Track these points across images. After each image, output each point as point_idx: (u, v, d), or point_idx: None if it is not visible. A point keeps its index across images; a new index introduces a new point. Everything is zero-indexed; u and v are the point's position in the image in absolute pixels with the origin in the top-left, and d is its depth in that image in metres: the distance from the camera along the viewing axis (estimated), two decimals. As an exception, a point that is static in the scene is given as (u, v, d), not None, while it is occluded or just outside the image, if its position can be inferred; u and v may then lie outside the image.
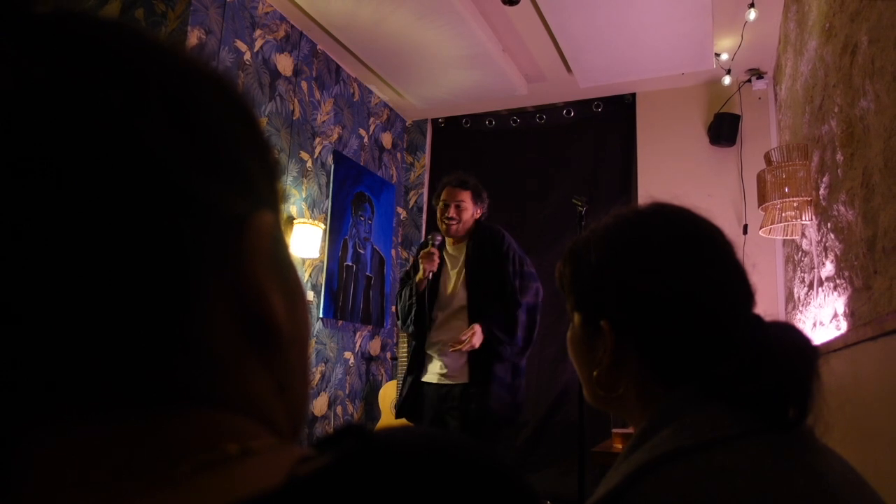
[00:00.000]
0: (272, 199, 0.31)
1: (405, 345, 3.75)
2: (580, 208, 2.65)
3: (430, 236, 2.66)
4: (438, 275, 2.64)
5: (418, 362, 2.61)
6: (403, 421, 2.63)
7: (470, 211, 2.62)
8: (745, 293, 0.63)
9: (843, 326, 1.87)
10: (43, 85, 0.22)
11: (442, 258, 2.66)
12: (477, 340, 2.41)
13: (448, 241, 2.67)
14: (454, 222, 2.59)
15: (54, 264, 0.22)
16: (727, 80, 3.56)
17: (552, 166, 4.19)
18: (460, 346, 2.40)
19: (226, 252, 0.27)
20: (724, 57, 3.47)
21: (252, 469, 0.25)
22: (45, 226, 0.22)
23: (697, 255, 0.62)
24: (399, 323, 2.78)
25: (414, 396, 2.57)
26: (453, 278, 2.61)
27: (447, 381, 2.51)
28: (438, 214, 2.65)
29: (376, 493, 0.23)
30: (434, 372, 2.55)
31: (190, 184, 0.25)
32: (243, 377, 0.28)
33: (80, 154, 0.22)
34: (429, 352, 2.59)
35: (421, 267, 2.60)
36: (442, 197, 2.64)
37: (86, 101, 0.23)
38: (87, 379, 0.24)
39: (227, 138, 0.28)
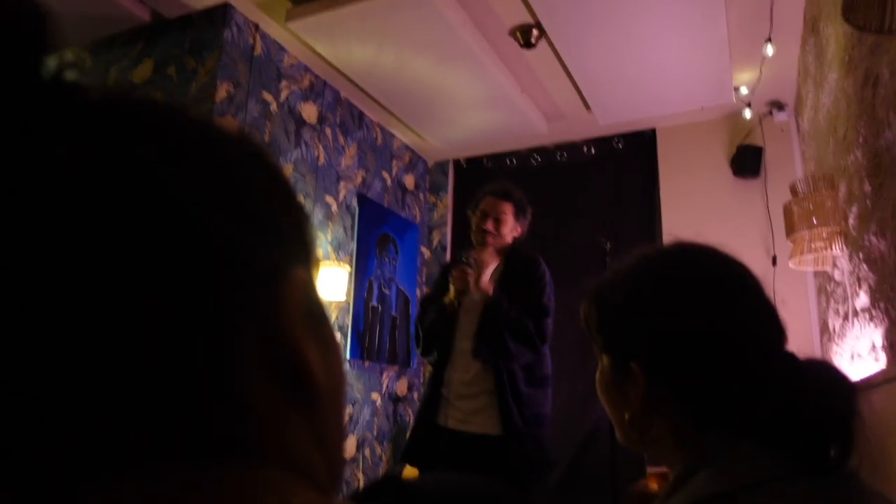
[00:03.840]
0: (305, 255, 0.32)
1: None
2: (604, 244, 2.63)
3: (463, 253, 2.29)
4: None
5: (433, 401, 2.24)
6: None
7: (510, 225, 2.29)
8: (777, 331, 0.62)
9: (882, 359, 1.82)
10: (94, 158, 0.24)
11: None
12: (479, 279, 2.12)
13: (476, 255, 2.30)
14: (491, 236, 2.25)
15: (94, 319, 0.23)
16: (748, 112, 3.55)
17: (574, 203, 4.20)
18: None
19: (261, 305, 0.27)
20: (744, 90, 3.47)
21: None
22: (88, 279, 0.23)
23: (726, 295, 0.62)
24: (420, 350, 2.43)
25: (427, 441, 2.20)
26: (477, 307, 2.22)
27: (466, 429, 2.16)
28: (473, 226, 2.31)
29: None
30: (450, 416, 2.20)
31: (228, 239, 0.26)
32: (282, 430, 0.28)
33: (122, 213, 0.24)
34: (443, 391, 2.22)
35: (451, 287, 2.23)
36: (480, 206, 2.31)
37: (129, 167, 0.25)
38: (126, 435, 0.24)
39: (262, 198, 0.30)
